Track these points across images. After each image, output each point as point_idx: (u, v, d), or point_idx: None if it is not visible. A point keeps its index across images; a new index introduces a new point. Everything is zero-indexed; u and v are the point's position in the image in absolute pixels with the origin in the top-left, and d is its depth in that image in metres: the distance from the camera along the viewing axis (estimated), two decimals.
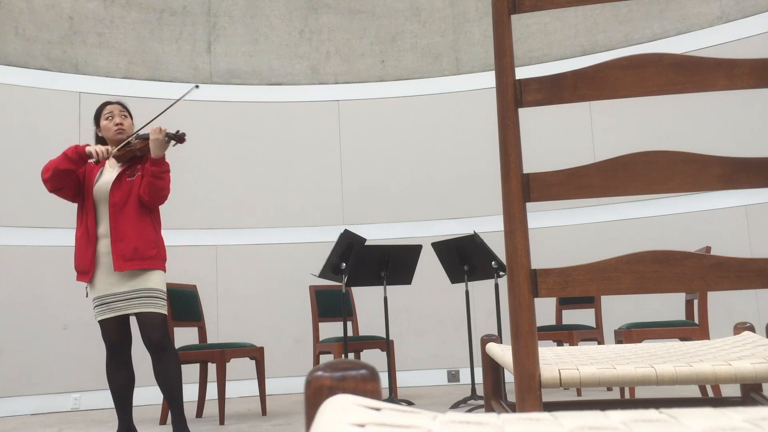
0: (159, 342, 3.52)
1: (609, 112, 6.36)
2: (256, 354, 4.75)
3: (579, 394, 4.99)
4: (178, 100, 3.85)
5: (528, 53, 6.80)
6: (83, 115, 6.31)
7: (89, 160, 3.56)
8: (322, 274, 4.80)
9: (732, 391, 4.00)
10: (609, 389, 5.03)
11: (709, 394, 4.13)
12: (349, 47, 7.08)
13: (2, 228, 5.90)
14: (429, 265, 5.51)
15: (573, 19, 6.75)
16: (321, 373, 0.51)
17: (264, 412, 4.74)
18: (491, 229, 6.01)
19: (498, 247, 4.57)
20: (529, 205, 1.03)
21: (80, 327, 5.94)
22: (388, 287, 5.11)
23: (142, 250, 3.51)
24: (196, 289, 4.97)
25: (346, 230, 4.77)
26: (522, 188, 1.02)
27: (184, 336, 5.38)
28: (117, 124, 3.65)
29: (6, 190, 5.96)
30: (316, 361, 5.13)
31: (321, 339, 5.17)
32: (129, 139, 3.63)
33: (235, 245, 6.58)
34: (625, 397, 4.27)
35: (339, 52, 7.07)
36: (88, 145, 3.56)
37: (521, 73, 1.17)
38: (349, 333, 5.22)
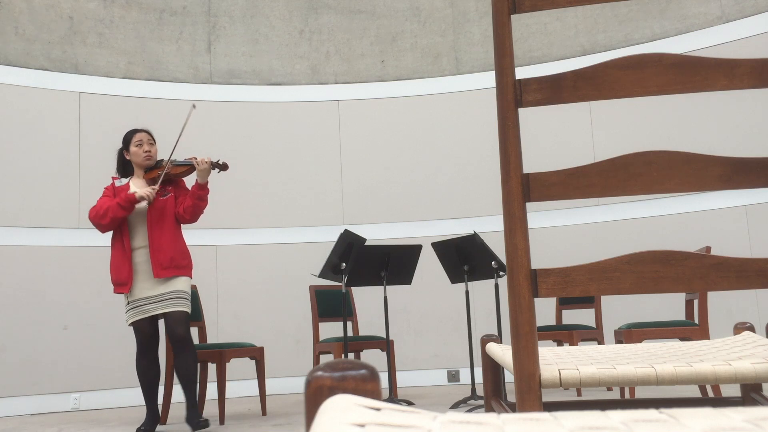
0: (183, 336, 4.05)
1: (609, 112, 6.36)
2: (256, 354, 4.75)
3: (579, 394, 4.99)
4: (185, 124, 4.27)
5: (528, 53, 6.80)
6: (83, 115, 6.31)
7: (142, 203, 4.10)
8: (322, 274, 4.80)
9: (732, 391, 3.99)
10: (609, 389, 5.03)
11: (709, 394, 4.12)
12: (349, 47, 7.08)
13: (2, 228, 5.90)
14: (429, 265, 5.51)
15: (573, 19, 6.75)
16: (321, 373, 0.51)
17: (264, 412, 4.74)
18: (491, 229, 6.01)
19: (498, 247, 4.57)
20: (529, 205, 1.03)
21: (80, 327, 5.94)
22: (388, 287, 5.11)
23: (177, 260, 4.12)
24: (196, 289, 4.97)
25: (346, 230, 4.77)
26: (522, 188, 1.02)
27: None
28: (146, 152, 4.20)
29: (6, 190, 5.96)
30: (316, 361, 5.13)
31: (321, 339, 5.17)
32: (166, 170, 4.17)
33: (235, 245, 6.57)
34: (625, 397, 4.27)
35: (339, 52, 7.07)
36: (134, 192, 4.08)
37: (521, 73, 1.16)
38: (349, 333, 5.22)
